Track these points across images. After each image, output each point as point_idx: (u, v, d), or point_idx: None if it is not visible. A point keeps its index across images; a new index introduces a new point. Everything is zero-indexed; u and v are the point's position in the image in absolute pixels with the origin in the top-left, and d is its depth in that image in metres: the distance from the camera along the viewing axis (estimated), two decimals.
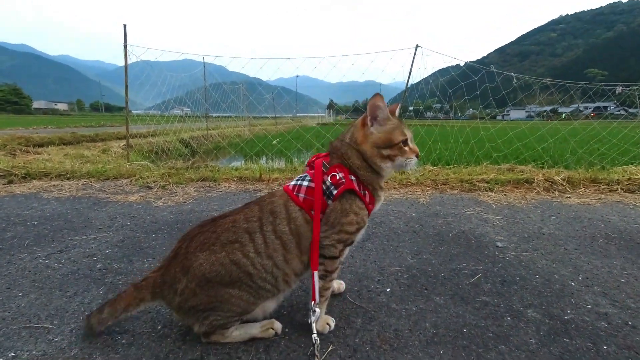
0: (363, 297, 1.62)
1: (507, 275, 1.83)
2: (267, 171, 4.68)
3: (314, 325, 1.24)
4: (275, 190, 1.43)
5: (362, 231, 1.36)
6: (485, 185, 3.88)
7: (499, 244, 2.26)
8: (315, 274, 1.26)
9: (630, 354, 1.23)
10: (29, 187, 3.91)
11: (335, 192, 1.27)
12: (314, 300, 1.26)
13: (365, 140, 1.31)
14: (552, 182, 3.92)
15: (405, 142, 1.31)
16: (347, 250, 1.35)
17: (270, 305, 1.33)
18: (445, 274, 1.85)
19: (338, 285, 1.67)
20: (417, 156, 1.33)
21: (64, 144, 10.83)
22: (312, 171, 1.34)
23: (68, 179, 4.38)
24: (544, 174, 4.13)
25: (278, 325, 1.34)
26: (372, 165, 1.32)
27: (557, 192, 3.68)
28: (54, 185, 4.04)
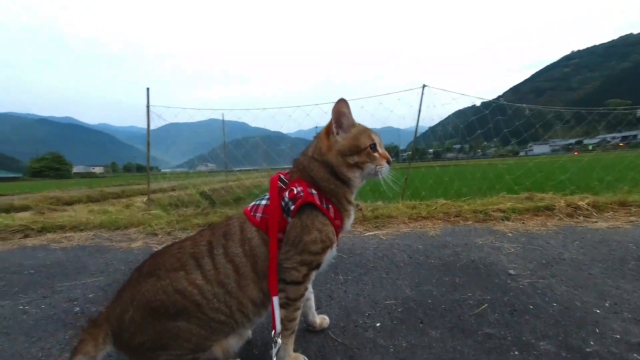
0: (348, 333, 1.43)
1: (518, 304, 1.59)
2: None
3: (274, 359, 1.07)
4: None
5: (331, 252, 1.22)
6: (501, 214, 3.62)
7: (511, 272, 2.01)
8: (275, 299, 1.11)
9: None
10: (41, 240, 3.99)
11: (292, 207, 1.16)
12: (275, 329, 1.10)
13: (331, 149, 1.22)
14: (575, 208, 3.61)
15: (373, 147, 1.21)
16: (313, 275, 1.20)
17: (233, 342, 1.18)
18: (447, 305, 1.63)
19: (321, 320, 1.49)
20: (388, 162, 1.22)
21: (91, 202, 11.33)
22: None
23: (81, 230, 4.46)
24: (565, 200, 3.83)
25: None
26: (340, 176, 1.22)
27: (581, 217, 3.37)
28: (65, 236, 4.11)
